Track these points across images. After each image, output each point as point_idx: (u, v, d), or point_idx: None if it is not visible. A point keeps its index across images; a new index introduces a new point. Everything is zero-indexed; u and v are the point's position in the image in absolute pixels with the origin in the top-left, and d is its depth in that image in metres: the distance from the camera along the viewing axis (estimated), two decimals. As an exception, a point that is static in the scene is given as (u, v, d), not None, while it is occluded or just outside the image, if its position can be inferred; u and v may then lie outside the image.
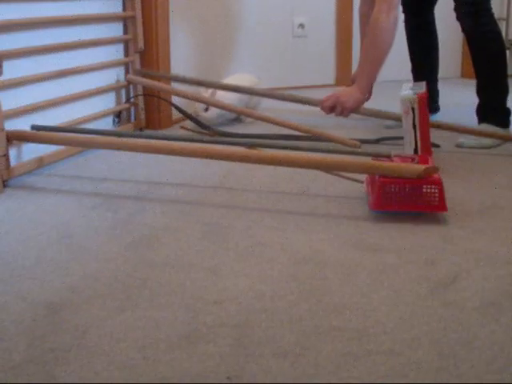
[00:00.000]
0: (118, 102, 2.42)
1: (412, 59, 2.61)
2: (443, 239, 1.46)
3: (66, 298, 1.18)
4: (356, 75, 2.33)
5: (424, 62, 2.59)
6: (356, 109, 2.25)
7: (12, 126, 1.87)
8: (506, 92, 2.30)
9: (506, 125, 2.31)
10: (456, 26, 2.32)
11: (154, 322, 1.09)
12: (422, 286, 1.23)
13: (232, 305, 1.15)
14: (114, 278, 1.26)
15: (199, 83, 2.45)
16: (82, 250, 1.40)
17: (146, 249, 1.41)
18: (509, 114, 2.31)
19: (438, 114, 2.68)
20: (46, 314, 1.12)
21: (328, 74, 3.60)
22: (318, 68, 3.53)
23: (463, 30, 2.30)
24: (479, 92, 2.33)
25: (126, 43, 2.43)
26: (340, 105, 2.24)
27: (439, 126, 2.26)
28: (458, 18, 2.28)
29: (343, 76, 3.63)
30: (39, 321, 1.10)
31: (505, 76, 2.29)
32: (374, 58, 2.18)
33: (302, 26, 3.43)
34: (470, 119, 2.38)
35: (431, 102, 2.46)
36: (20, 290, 1.21)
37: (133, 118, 2.50)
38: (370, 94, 2.38)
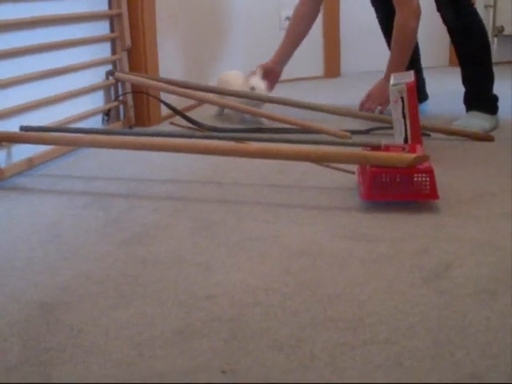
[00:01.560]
0: (107, 101, 2.41)
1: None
2: (435, 227, 1.46)
3: (58, 298, 1.17)
4: (387, 71, 2.38)
5: None
6: None
7: (0, 127, 1.86)
8: (492, 79, 2.32)
9: (493, 111, 2.31)
10: (443, 14, 2.32)
11: (147, 319, 1.09)
12: (415, 274, 1.23)
13: (225, 299, 1.15)
14: (106, 276, 1.26)
15: (186, 86, 2.43)
16: (74, 249, 1.40)
17: (138, 246, 1.40)
18: (496, 100, 2.32)
19: (427, 102, 2.68)
20: (39, 314, 1.12)
21: (317, 66, 3.59)
22: (306, 60, 3.52)
23: (444, 21, 2.30)
24: (465, 81, 2.34)
25: (113, 41, 2.41)
26: (378, 102, 2.40)
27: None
28: (439, 10, 2.29)
29: (332, 68, 3.63)
30: (33, 321, 1.09)
31: (489, 64, 2.31)
32: (405, 56, 2.35)
33: (289, 18, 3.41)
34: (459, 107, 2.38)
35: (418, 91, 2.46)
36: (12, 291, 1.21)
37: (122, 115, 2.49)
38: None
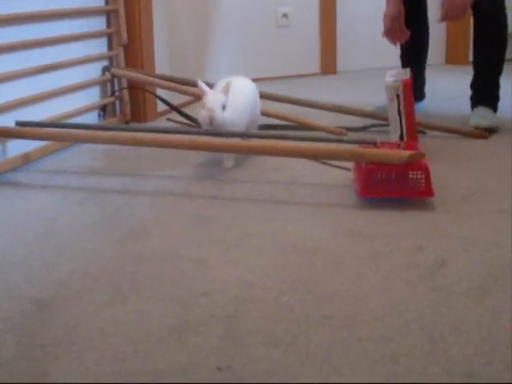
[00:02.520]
0: (103, 96, 2.41)
1: (402, 45, 2.60)
2: (430, 224, 1.46)
3: (54, 294, 1.17)
4: None
5: (414, 49, 2.59)
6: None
7: (-4, 122, 1.86)
8: (502, 70, 2.36)
9: (496, 109, 2.35)
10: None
11: (144, 315, 1.09)
12: (410, 271, 1.23)
13: (221, 296, 1.15)
14: (103, 272, 1.26)
15: (182, 82, 2.42)
16: (70, 245, 1.40)
17: (134, 242, 1.40)
18: (498, 100, 2.35)
19: (424, 101, 2.69)
20: (34, 310, 1.12)
21: (313, 62, 3.59)
22: (302, 57, 3.52)
23: (480, 9, 2.27)
24: (479, 74, 2.35)
25: (110, 37, 2.41)
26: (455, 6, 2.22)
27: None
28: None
29: (328, 64, 3.62)
30: (28, 317, 1.10)
31: (503, 62, 2.35)
32: None
33: (285, 15, 3.42)
34: (455, 105, 2.39)
35: (417, 89, 2.46)
36: (7, 287, 1.21)
37: (118, 111, 2.49)
38: None
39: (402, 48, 2.59)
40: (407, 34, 2.34)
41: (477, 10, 2.31)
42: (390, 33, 2.34)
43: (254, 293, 1.16)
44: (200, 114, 1.81)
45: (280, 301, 1.13)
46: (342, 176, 1.78)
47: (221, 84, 1.87)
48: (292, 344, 1.00)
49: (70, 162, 2.01)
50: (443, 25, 3.61)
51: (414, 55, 2.56)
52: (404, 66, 2.53)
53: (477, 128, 2.25)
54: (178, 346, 1.00)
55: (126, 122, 2.48)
